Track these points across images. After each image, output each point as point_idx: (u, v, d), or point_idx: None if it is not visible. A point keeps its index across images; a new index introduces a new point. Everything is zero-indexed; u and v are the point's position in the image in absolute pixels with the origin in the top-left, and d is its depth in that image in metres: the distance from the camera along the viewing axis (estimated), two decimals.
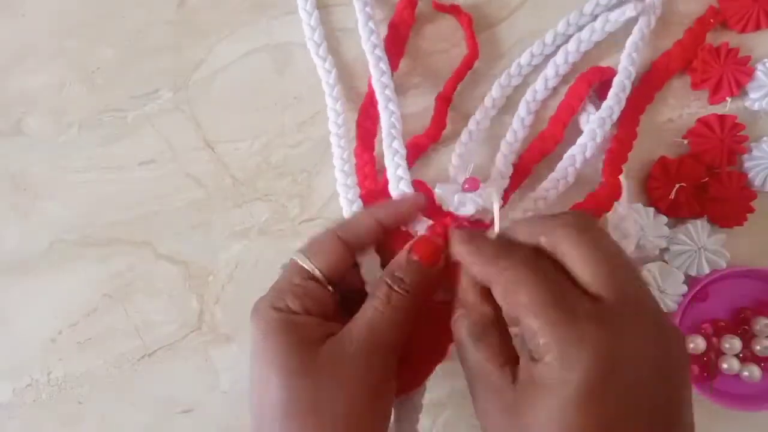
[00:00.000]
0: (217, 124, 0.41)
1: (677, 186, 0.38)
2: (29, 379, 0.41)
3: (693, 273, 0.38)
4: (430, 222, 0.35)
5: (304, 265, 0.31)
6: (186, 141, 0.41)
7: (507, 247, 0.30)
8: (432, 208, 0.36)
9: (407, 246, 0.33)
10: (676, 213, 0.38)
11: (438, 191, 0.36)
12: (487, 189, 0.35)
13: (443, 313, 0.35)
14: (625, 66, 0.37)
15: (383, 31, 0.40)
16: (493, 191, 0.34)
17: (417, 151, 0.39)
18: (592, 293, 0.26)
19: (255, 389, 0.30)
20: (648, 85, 0.39)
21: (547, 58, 0.40)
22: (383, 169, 0.37)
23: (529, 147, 0.39)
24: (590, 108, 0.38)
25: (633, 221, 0.37)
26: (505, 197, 0.38)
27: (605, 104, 0.37)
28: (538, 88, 0.39)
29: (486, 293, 0.30)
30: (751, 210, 0.39)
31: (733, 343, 0.39)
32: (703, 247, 0.38)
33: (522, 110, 0.39)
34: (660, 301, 0.38)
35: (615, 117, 0.37)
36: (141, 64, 0.42)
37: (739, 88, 0.39)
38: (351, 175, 0.38)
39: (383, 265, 0.33)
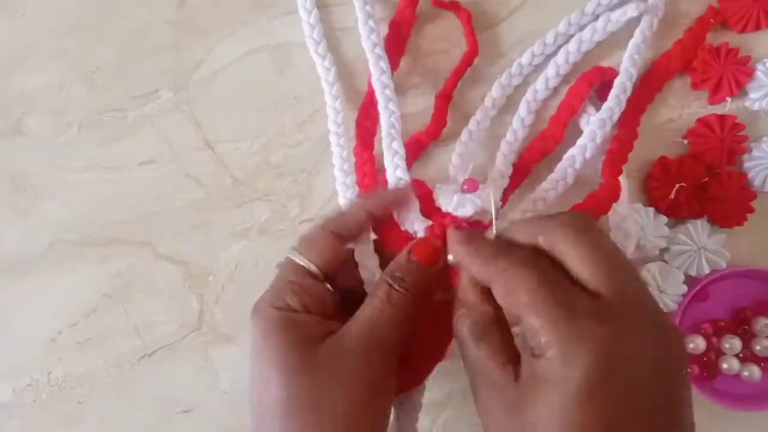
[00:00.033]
0: (217, 124, 0.41)
1: (677, 186, 0.38)
2: (29, 379, 0.41)
3: (693, 273, 0.38)
4: (429, 222, 0.35)
5: (300, 262, 0.32)
6: (186, 141, 0.41)
7: (506, 247, 0.30)
8: (431, 208, 0.36)
9: (407, 247, 0.33)
10: (676, 213, 0.38)
11: (437, 192, 0.36)
12: (485, 190, 0.35)
13: (443, 313, 0.35)
14: (627, 67, 0.37)
15: (384, 30, 0.40)
16: (490, 192, 0.34)
17: (417, 148, 0.39)
18: (592, 291, 0.27)
19: (255, 388, 0.30)
20: (648, 86, 0.39)
21: (548, 58, 0.40)
22: (383, 168, 0.37)
23: (529, 146, 0.39)
24: (590, 109, 0.38)
25: (633, 221, 0.37)
26: (505, 197, 0.38)
27: (605, 105, 0.37)
28: (539, 87, 0.39)
29: (486, 293, 0.30)
30: (751, 210, 0.39)
31: (733, 343, 0.39)
32: (703, 247, 0.38)
33: (522, 110, 0.39)
34: (660, 301, 0.38)
35: (615, 118, 0.37)
36: (141, 64, 0.42)
37: (739, 88, 0.39)
38: (350, 174, 0.38)
39: (383, 267, 0.34)
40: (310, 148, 0.41)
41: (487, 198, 0.34)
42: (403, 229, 0.36)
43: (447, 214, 0.35)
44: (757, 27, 0.39)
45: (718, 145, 0.38)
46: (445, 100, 0.39)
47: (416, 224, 0.36)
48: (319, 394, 0.28)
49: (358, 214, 0.33)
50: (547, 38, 0.39)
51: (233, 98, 0.41)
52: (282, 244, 0.40)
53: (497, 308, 0.29)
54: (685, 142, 0.39)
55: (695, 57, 0.39)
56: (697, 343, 0.39)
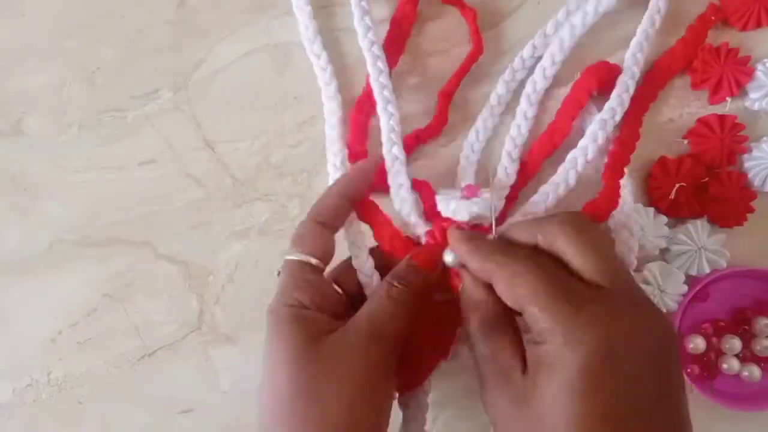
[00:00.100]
0: (217, 124, 0.41)
1: (677, 186, 0.38)
2: (29, 379, 0.41)
3: (694, 273, 0.38)
4: (429, 227, 0.36)
5: (297, 258, 0.33)
6: (186, 141, 0.41)
7: (505, 245, 0.32)
8: (433, 212, 0.36)
9: (408, 255, 0.34)
10: (676, 213, 0.38)
11: (438, 198, 0.36)
12: (485, 195, 0.35)
13: (444, 313, 0.35)
14: (629, 66, 0.37)
15: (385, 31, 0.40)
16: (489, 198, 0.35)
17: (416, 143, 0.39)
18: (591, 282, 0.28)
19: (264, 379, 0.31)
20: (651, 84, 0.39)
21: None
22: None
23: (536, 141, 0.38)
24: (592, 109, 0.38)
25: (634, 221, 0.37)
26: (514, 194, 0.38)
27: (607, 105, 0.37)
28: (537, 78, 0.38)
29: (492, 290, 0.31)
30: (751, 210, 0.39)
31: (733, 343, 0.39)
32: (703, 247, 0.38)
33: (524, 103, 0.39)
34: (660, 301, 0.38)
35: (618, 118, 0.37)
36: (141, 64, 0.42)
37: (739, 88, 0.39)
38: (341, 169, 0.38)
39: (384, 275, 0.34)
40: (310, 148, 0.41)
41: (486, 204, 0.34)
42: (404, 234, 0.36)
43: (448, 219, 0.35)
44: (758, 25, 0.39)
45: (718, 145, 0.38)
46: (446, 98, 0.39)
47: (418, 228, 0.36)
48: (321, 385, 0.29)
49: (331, 197, 0.35)
50: (546, 28, 0.39)
51: (233, 98, 0.41)
52: (282, 244, 0.40)
53: (504, 305, 0.30)
54: (685, 142, 0.39)
55: (696, 55, 0.39)
56: (697, 343, 0.39)
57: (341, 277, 0.35)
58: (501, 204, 0.37)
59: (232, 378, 0.41)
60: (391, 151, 0.37)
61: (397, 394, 0.35)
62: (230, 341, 0.41)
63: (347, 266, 0.36)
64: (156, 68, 0.41)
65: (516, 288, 0.29)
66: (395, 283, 0.32)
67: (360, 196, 0.36)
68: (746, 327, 0.39)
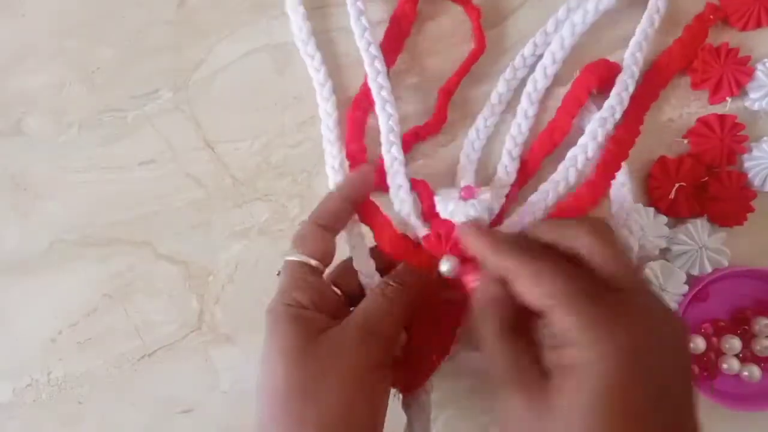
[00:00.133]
0: (217, 124, 0.41)
1: (677, 186, 0.38)
2: (29, 379, 0.41)
3: (695, 272, 0.38)
4: (428, 227, 0.36)
5: (297, 259, 0.33)
6: (186, 141, 0.41)
7: (525, 242, 0.32)
8: (432, 212, 0.36)
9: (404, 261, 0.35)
10: (676, 213, 0.38)
11: (436, 198, 0.36)
12: (483, 196, 0.35)
13: (445, 313, 0.35)
14: (629, 65, 0.37)
15: (382, 31, 0.40)
16: (486, 200, 0.35)
17: (415, 140, 0.39)
18: (613, 286, 0.29)
19: (262, 378, 0.31)
20: (651, 83, 0.39)
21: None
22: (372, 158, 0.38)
23: (537, 139, 0.38)
24: (592, 107, 0.38)
25: (634, 220, 0.37)
26: (514, 192, 0.38)
27: (607, 104, 0.37)
28: (538, 77, 0.38)
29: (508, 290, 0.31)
30: (751, 210, 0.39)
31: (733, 343, 0.39)
32: (704, 246, 0.38)
33: (524, 102, 0.39)
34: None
35: (617, 116, 0.37)
36: (141, 64, 0.42)
37: (739, 88, 0.39)
38: (341, 172, 0.38)
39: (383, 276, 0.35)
40: (310, 148, 0.41)
41: (483, 206, 0.34)
42: (404, 236, 0.36)
43: (446, 221, 0.35)
44: (758, 25, 0.39)
45: (718, 145, 0.38)
46: (446, 95, 0.39)
47: (417, 230, 0.36)
48: (318, 384, 0.29)
49: (332, 200, 0.35)
50: (547, 26, 0.39)
51: (233, 98, 0.41)
52: (282, 244, 0.40)
53: (520, 307, 0.30)
54: (685, 141, 0.39)
55: (696, 54, 0.39)
56: (697, 343, 0.39)
57: (341, 278, 0.35)
58: (500, 204, 0.37)
59: (232, 378, 0.41)
60: (390, 152, 0.37)
61: (400, 396, 0.35)
62: (230, 341, 0.41)
63: (347, 267, 0.36)
64: (156, 68, 0.41)
65: (541, 287, 0.28)
66: (391, 282, 0.33)
67: (361, 200, 0.36)
68: (746, 327, 0.39)
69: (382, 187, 0.37)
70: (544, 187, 0.36)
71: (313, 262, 0.33)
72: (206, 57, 0.41)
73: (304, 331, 0.30)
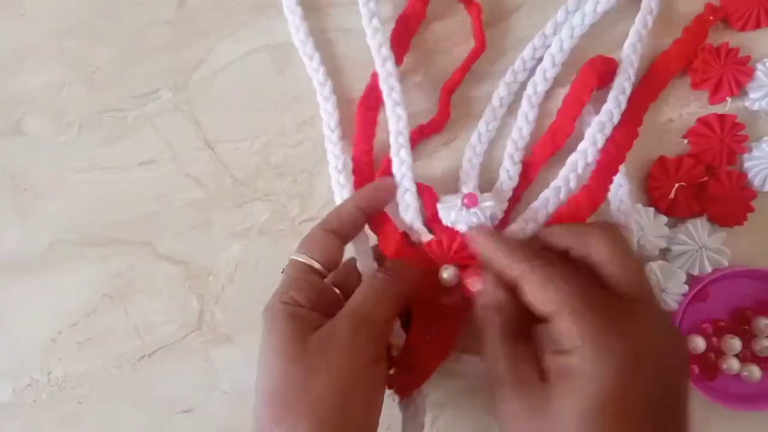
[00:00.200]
0: (217, 124, 0.41)
1: (677, 186, 0.38)
2: (29, 379, 0.41)
3: (695, 272, 0.38)
4: (432, 235, 0.36)
5: (302, 260, 0.33)
6: (186, 141, 0.41)
7: (536, 246, 0.32)
8: (435, 218, 0.36)
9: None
10: (676, 213, 0.38)
11: (439, 206, 0.36)
12: (485, 203, 0.35)
13: (444, 316, 0.35)
14: (625, 67, 0.37)
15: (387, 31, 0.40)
16: (488, 207, 0.35)
17: (420, 137, 0.39)
18: (621, 292, 0.29)
19: (259, 375, 0.31)
20: (650, 84, 0.39)
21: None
22: (378, 159, 0.38)
23: (539, 142, 0.38)
24: (590, 110, 0.38)
25: (634, 221, 0.37)
26: (517, 195, 0.38)
27: (604, 108, 0.36)
28: (538, 80, 0.38)
29: (513, 294, 0.31)
30: (751, 210, 0.39)
31: (733, 343, 0.39)
32: (704, 246, 0.38)
33: (525, 105, 0.38)
34: (661, 300, 0.38)
35: (615, 120, 0.36)
36: (141, 64, 0.42)
37: (739, 88, 0.39)
38: (343, 172, 0.38)
39: None
40: (310, 148, 0.41)
41: (486, 214, 0.34)
42: (401, 229, 0.36)
43: (448, 228, 0.35)
44: (758, 25, 0.39)
45: (718, 145, 0.38)
46: (449, 93, 0.39)
47: (421, 236, 0.36)
48: (309, 382, 0.29)
49: (349, 208, 0.35)
50: (546, 29, 0.39)
51: (233, 98, 0.41)
52: (282, 244, 0.40)
53: (524, 311, 0.30)
54: (685, 141, 0.39)
55: (696, 55, 0.39)
56: (697, 343, 0.39)
57: (341, 279, 0.35)
58: (503, 210, 0.37)
59: (232, 378, 0.41)
60: (399, 155, 0.36)
61: (398, 397, 0.35)
62: (230, 341, 0.41)
63: (349, 268, 0.36)
64: (156, 68, 0.41)
65: (549, 293, 0.28)
66: (379, 275, 0.33)
67: (376, 212, 0.36)
68: (746, 327, 0.39)
69: None
70: (545, 194, 0.36)
71: (316, 265, 0.33)
72: (206, 57, 0.41)
73: (299, 328, 0.30)
